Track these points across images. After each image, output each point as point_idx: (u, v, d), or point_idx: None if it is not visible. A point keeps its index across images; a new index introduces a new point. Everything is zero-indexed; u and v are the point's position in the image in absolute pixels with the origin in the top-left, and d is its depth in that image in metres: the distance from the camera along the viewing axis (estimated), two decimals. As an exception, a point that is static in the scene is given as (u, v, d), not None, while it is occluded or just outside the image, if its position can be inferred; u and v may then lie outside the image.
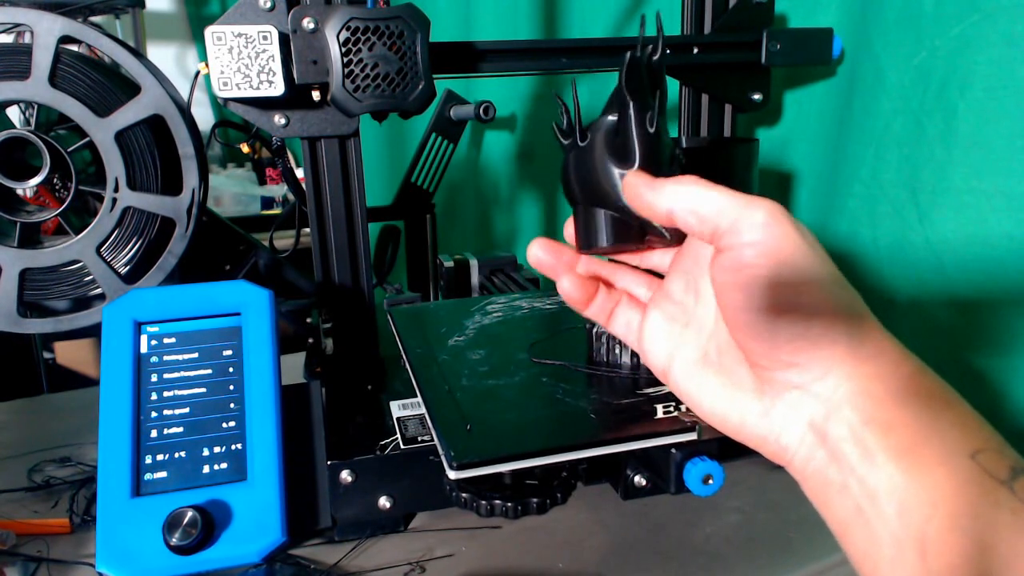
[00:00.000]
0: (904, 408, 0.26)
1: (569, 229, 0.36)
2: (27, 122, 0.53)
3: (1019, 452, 0.26)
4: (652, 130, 0.32)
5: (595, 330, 0.48)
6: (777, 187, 0.74)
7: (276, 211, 1.74)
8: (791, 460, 0.29)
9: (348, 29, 0.49)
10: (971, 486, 0.24)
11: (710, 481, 0.40)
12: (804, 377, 0.28)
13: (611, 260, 0.38)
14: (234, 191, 1.77)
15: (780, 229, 0.27)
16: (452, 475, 0.36)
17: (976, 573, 0.23)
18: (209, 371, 0.46)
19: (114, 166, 0.51)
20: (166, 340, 0.46)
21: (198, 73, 0.57)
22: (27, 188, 0.52)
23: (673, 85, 0.68)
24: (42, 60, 0.49)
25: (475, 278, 0.79)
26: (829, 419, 0.27)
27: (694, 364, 0.32)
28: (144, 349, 0.46)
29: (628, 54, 0.33)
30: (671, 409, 0.40)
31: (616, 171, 0.33)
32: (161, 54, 2.22)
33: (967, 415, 0.27)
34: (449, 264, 0.79)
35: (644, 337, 0.34)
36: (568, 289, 0.35)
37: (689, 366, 0.32)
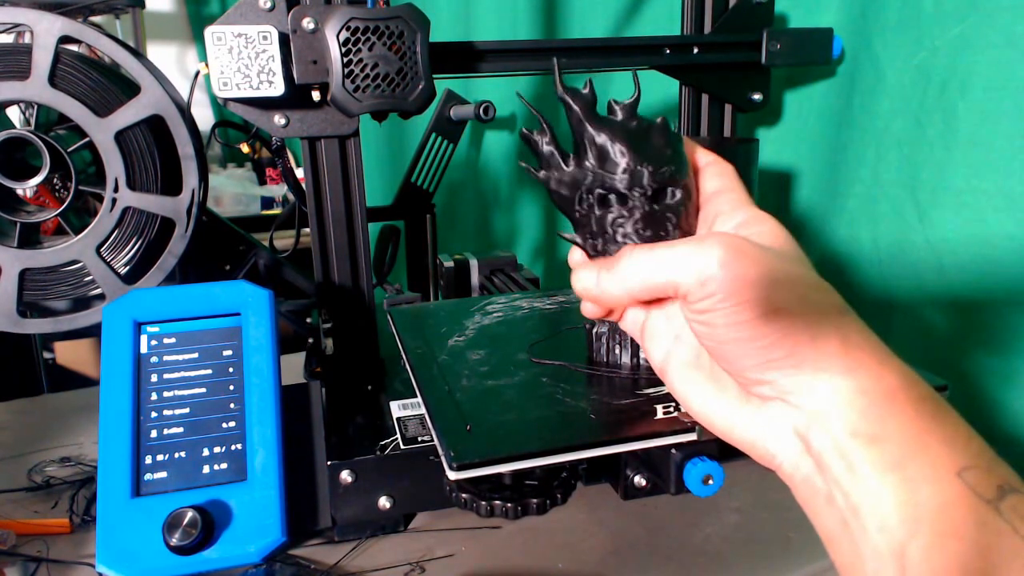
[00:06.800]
0: (889, 421, 0.26)
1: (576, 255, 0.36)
2: (27, 122, 0.53)
3: (1019, 454, 0.26)
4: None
5: (595, 330, 0.48)
6: (777, 187, 0.74)
7: (276, 211, 1.74)
8: (779, 465, 0.29)
9: (348, 29, 0.49)
10: (956, 505, 0.24)
11: (710, 481, 0.40)
12: (776, 391, 0.28)
13: None
14: (234, 191, 1.77)
15: (737, 268, 0.26)
16: (452, 475, 0.36)
17: None
18: (209, 371, 0.46)
19: (114, 166, 0.51)
20: (166, 340, 0.46)
21: (198, 73, 0.57)
22: (27, 188, 0.52)
23: (673, 85, 0.68)
24: (42, 60, 0.49)
25: (475, 278, 0.79)
26: (810, 430, 0.27)
27: (687, 366, 0.32)
28: (144, 349, 0.46)
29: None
30: (671, 409, 0.40)
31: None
32: (161, 54, 2.23)
33: (956, 429, 0.26)
34: (449, 264, 0.79)
35: (645, 334, 0.34)
36: (591, 310, 0.35)
37: (683, 367, 0.33)
